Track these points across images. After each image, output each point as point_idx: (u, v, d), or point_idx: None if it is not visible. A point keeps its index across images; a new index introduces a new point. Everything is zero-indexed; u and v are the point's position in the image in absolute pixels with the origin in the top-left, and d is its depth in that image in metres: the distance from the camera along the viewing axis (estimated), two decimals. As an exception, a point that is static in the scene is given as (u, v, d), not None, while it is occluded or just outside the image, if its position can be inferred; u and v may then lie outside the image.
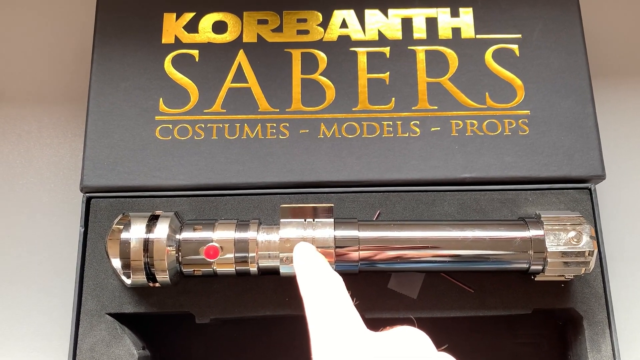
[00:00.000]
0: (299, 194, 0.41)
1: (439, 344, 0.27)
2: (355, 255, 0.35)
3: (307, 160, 0.41)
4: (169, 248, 0.36)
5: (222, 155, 0.41)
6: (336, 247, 0.35)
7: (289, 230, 0.35)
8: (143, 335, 0.41)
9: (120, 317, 0.39)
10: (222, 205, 0.41)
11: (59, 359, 0.44)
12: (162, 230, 0.36)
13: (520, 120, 0.42)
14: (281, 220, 0.36)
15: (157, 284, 0.37)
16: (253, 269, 0.36)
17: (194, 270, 0.36)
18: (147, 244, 0.36)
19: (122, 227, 0.36)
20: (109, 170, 0.41)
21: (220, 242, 0.36)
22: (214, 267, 0.36)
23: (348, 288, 0.30)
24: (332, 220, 0.36)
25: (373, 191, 0.41)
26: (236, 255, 0.36)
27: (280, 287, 0.39)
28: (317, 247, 0.35)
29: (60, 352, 0.44)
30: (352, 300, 0.29)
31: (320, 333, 0.26)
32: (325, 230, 0.35)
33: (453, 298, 0.39)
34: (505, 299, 0.39)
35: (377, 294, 0.39)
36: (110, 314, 0.39)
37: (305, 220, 0.36)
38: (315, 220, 0.36)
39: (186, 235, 0.36)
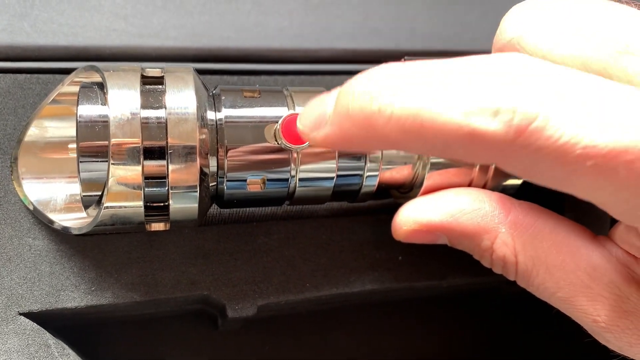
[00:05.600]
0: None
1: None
2: None
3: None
4: (203, 130, 0.19)
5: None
6: None
7: None
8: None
9: (52, 319, 0.21)
10: None
11: None
12: (182, 98, 0.19)
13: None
14: None
15: (161, 224, 0.20)
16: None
17: (247, 182, 0.20)
18: (151, 124, 0.18)
19: (89, 92, 0.19)
20: None
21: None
22: (296, 169, 0.20)
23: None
24: None
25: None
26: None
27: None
28: None
29: None
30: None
31: None
32: None
33: None
34: None
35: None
36: (27, 314, 0.20)
37: None
38: None
39: (232, 110, 0.20)
